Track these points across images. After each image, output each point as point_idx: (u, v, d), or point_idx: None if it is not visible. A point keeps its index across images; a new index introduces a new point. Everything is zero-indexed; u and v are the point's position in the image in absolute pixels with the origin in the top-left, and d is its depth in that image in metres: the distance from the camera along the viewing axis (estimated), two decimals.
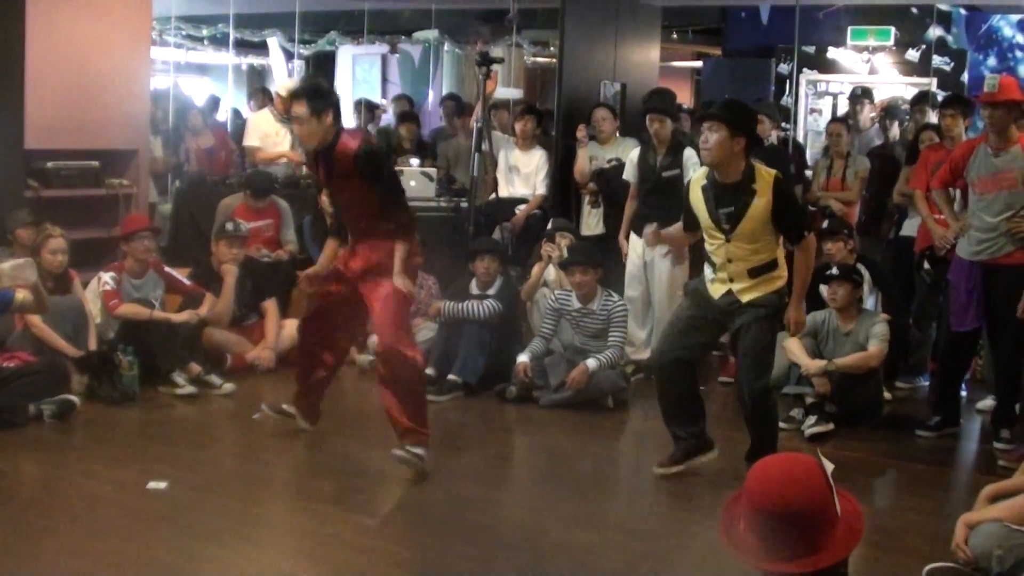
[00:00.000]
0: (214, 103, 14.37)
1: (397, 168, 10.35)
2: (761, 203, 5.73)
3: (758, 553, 2.72)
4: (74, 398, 7.19)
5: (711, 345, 6.76)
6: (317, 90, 6.09)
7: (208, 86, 18.41)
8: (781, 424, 7.28)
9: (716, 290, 6.00)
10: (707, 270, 6.09)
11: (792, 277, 6.07)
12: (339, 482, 6.09)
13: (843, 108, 13.15)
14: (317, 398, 6.80)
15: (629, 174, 8.67)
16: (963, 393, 7.77)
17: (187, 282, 8.41)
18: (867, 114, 10.82)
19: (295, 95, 6.04)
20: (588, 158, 9.74)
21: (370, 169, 5.99)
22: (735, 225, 5.79)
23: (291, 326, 8.54)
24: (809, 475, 2.71)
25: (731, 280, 5.91)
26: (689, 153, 8.42)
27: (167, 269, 8.38)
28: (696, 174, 6.12)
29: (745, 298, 5.90)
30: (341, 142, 6.01)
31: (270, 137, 10.48)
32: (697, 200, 5.97)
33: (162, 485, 5.83)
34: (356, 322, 6.68)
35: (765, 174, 5.78)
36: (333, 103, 6.06)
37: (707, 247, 6.03)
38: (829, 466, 2.74)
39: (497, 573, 4.92)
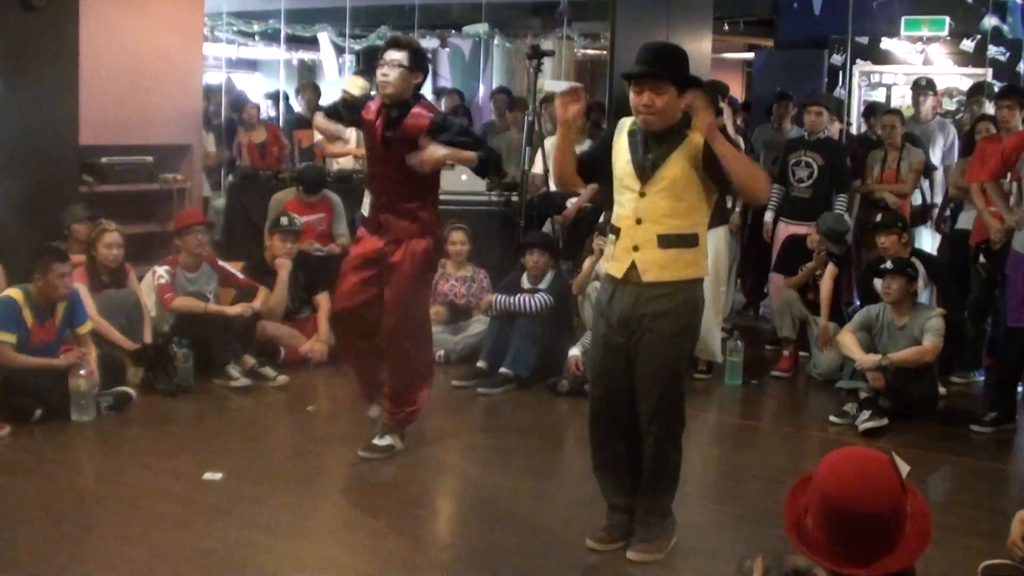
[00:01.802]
0: (277, 97, 14.45)
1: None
2: (687, 154, 4.70)
3: (829, 553, 2.66)
4: (130, 390, 7.28)
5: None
6: (420, 51, 6.11)
7: (259, 81, 18.52)
8: (834, 419, 7.27)
9: (617, 267, 4.83)
10: (607, 246, 4.98)
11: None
12: (392, 474, 6.12)
13: (896, 100, 13.05)
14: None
15: None
16: (1020, 389, 7.70)
17: (240, 276, 8.48)
18: (929, 105, 10.72)
19: (399, 44, 5.96)
20: None
21: (445, 132, 5.92)
22: (656, 169, 4.71)
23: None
24: (885, 475, 2.65)
25: (635, 249, 4.75)
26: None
27: (221, 263, 8.46)
28: (626, 121, 4.93)
29: (648, 275, 4.74)
30: (417, 108, 5.98)
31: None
32: (621, 148, 4.86)
33: (217, 476, 5.90)
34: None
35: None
36: (426, 69, 6.09)
37: (616, 211, 4.90)
38: (904, 467, 2.69)
39: (549, 566, 4.93)
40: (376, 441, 6.29)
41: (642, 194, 4.74)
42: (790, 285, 8.71)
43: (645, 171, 4.73)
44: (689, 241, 4.75)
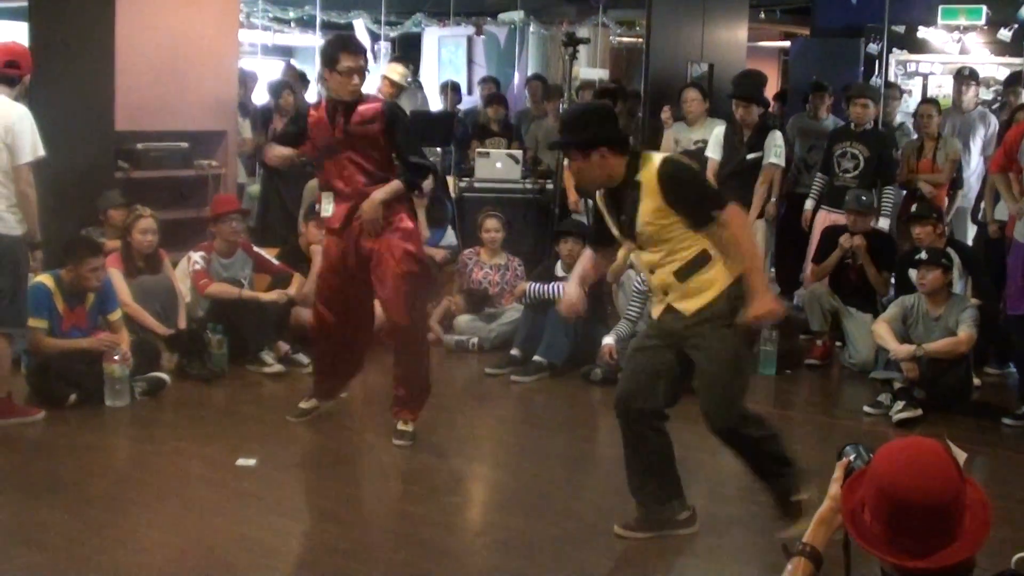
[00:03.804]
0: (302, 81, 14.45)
1: (482, 150, 10.43)
2: (648, 200, 4.76)
3: (888, 546, 2.60)
4: (165, 376, 7.32)
5: (681, 381, 5.06)
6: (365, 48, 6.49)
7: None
8: (868, 409, 7.24)
9: (657, 311, 5.01)
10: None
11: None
12: (425, 462, 6.13)
13: (932, 89, 12.96)
14: (342, 383, 6.87)
15: (712, 151, 8.63)
16: None
17: (275, 262, 8.49)
18: (972, 95, 10.61)
19: (357, 50, 6.24)
20: (673, 140, 9.67)
21: (392, 122, 6.24)
22: (633, 231, 4.85)
23: (376, 307, 8.57)
24: (942, 463, 2.59)
25: (665, 293, 4.91)
26: (774, 136, 8.41)
27: (256, 249, 8.47)
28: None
29: (689, 308, 4.83)
30: (369, 97, 6.34)
31: None
32: (603, 211, 5.07)
33: (251, 462, 5.92)
34: (369, 297, 6.58)
35: (650, 163, 4.82)
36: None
37: (632, 259, 5.14)
38: (961, 455, 2.64)
39: (582, 554, 4.93)
40: (401, 427, 6.35)
41: (640, 248, 4.93)
42: (814, 278, 8.67)
43: (627, 232, 4.91)
44: (701, 261, 4.82)
